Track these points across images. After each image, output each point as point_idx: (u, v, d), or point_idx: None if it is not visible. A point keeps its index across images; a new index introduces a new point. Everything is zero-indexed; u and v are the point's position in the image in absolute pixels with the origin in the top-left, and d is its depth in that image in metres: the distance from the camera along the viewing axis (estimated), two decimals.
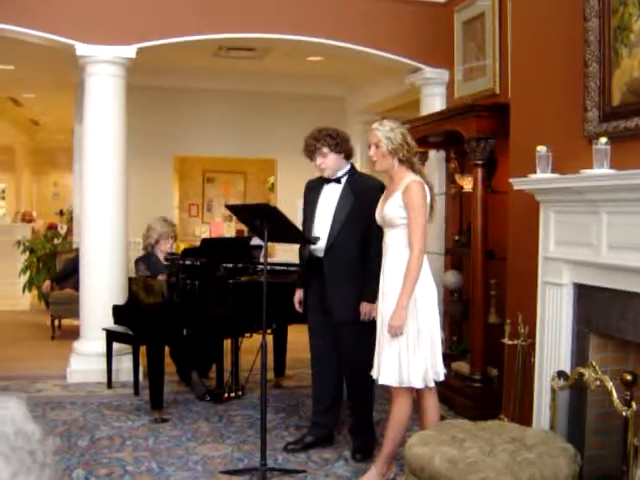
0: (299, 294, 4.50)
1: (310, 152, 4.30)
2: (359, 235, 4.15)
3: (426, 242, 3.61)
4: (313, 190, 4.43)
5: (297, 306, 4.51)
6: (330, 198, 4.29)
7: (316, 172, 4.46)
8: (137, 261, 6.02)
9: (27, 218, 13.38)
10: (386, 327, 3.61)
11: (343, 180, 4.31)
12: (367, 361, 3.79)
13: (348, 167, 4.35)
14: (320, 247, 4.25)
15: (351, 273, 4.18)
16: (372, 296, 3.99)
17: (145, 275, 5.83)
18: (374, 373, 3.74)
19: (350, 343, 4.21)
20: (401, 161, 3.71)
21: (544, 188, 3.84)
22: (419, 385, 3.62)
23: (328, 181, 4.33)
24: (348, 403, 4.52)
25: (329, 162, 4.27)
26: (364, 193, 4.18)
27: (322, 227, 4.24)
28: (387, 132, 3.70)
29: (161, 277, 5.47)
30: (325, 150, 4.25)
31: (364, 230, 4.09)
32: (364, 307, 4.13)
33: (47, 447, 1.25)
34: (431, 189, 3.74)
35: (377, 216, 3.78)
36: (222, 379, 5.62)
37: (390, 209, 3.67)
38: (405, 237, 3.61)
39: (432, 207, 3.72)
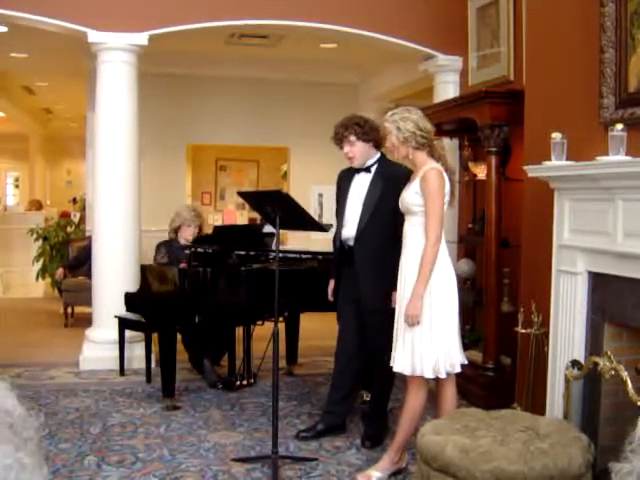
0: (332, 284, 4.48)
1: (339, 140, 4.27)
2: (388, 222, 4.07)
3: (442, 230, 3.59)
4: (345, 180, 4.39)
5: (330, 296, 4.48)
6: (360, 187, 4.26)
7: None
8: (159, 245, 6.03)
9: (33, 208, 13.33)
10: (403, 316, 3.59)
11: (373, 169, 4.27)
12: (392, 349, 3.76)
13: (378, 156, 4.31)
14: (351, 236, 4.22)
15: (381, 261, 4.10)
16: None
17: (163, 260, 5.83)
18: (392, 361, 3.72)
19: (379, 331, 4.12)
20: (417, 148, 3.68)
21: (559, 175, 3.80)
22: (429, 375, 3.59)
23: (359, 171, 4.30)
24: (363, 392, 4.49)
25: (356, 150, 4.23)
26: (392, 180, 4.11)
27: (353, 216, 4.22)
28: (397, 122, 3.68)
29: (182, 265, 5.44)
30: (352, 138, 4.22)
31: (393, 217, 3.98)
32: (395, 296, 4.07)
33: (29, 423, 1.25)
34: (452, 175, 3.71)
35: (399, 203, 3.76)
36: (234, 367, 5.62)
37: (408, 196, 3.65)
38: (422, 225, 3.59)
39: (452, 193, 3.69)
